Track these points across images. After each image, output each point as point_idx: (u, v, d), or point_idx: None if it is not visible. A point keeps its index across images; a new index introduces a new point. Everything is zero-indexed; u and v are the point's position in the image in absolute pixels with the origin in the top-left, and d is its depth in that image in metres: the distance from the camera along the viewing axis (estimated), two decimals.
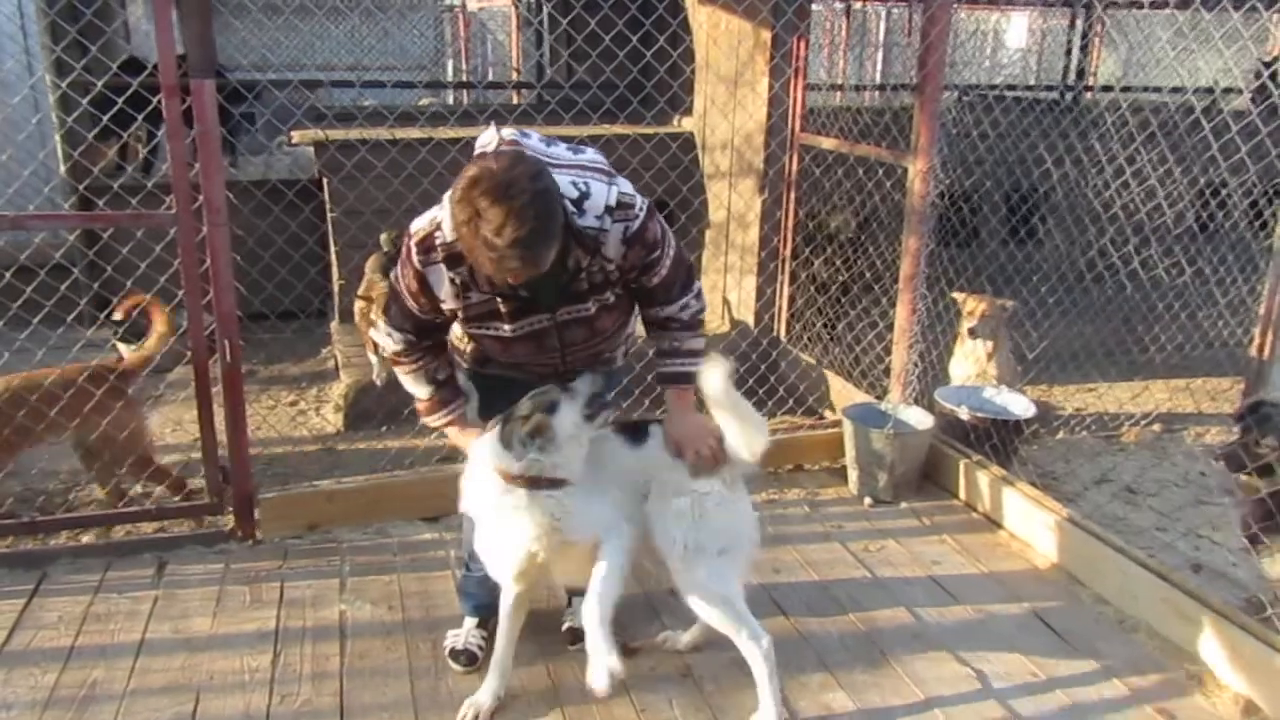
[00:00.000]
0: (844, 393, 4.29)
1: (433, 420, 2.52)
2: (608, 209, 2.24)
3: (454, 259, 2.22)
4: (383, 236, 4.77)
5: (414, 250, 2.26)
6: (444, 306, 2.32)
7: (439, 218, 2.23)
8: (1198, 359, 5.07)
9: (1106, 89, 8.53)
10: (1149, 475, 4.04)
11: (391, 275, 2.42)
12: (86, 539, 3.37)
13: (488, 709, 2.53)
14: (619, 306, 2.43)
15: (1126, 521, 3.59)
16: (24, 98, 5.30)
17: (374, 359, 4.57)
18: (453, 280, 2.26)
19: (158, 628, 2.90)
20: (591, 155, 2.37)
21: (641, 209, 2.29)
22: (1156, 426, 4.50)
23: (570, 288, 2.31)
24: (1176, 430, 4.54)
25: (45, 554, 3.25)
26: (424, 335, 2.42)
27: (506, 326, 2.34)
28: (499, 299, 2.30)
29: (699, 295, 2.50)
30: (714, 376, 2.31)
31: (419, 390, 2.49)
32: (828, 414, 4.38)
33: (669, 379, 2.51)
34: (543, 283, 2.23)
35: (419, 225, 2.28)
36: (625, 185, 2.30)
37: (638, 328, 2.65)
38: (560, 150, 2.35)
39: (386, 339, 2.45)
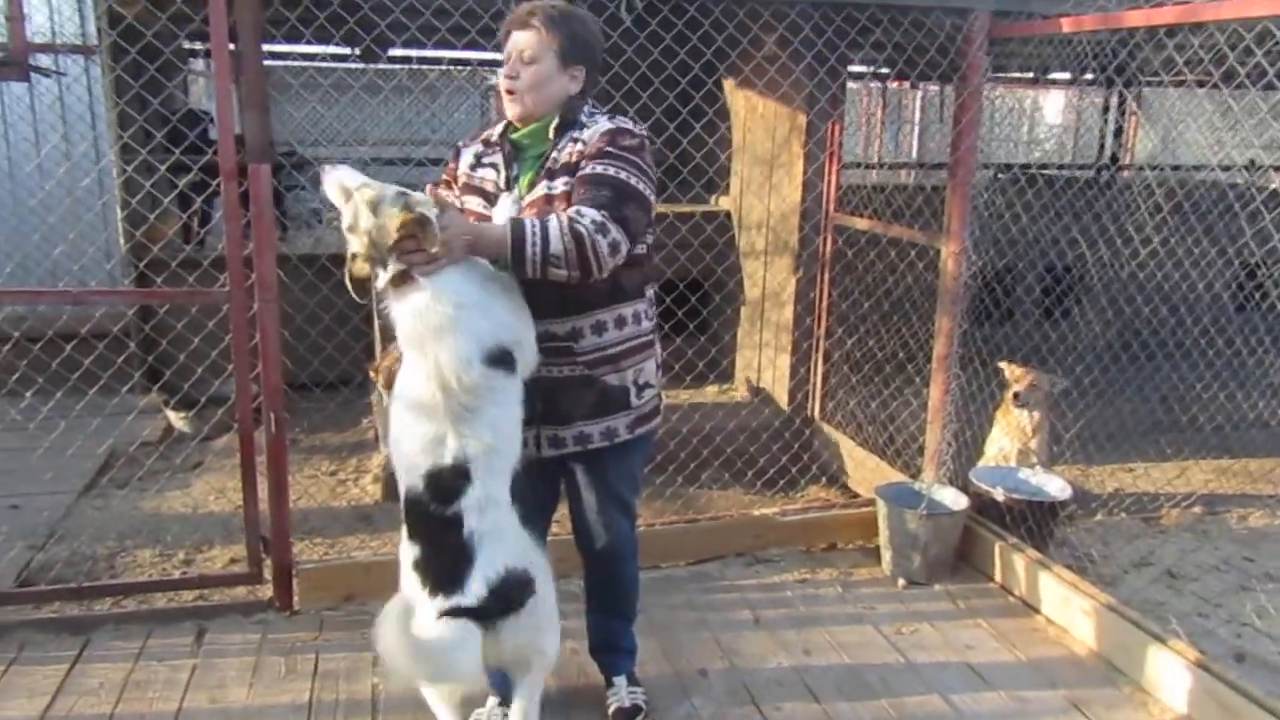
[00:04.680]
0: (878, 471, 4.29)
1: None
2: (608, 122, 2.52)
3: (484, 141, 2.63)
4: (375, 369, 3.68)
5: (464, 140, 2.73)
6: (457, 169, 2.65)
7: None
8: (1238, 439, 5.00)
9: (1143, 169, 8.57)
10: (1190, 559, 3.97)
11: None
12: (130, 605, 3.45)
13: None
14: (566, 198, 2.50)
15: (1167, 607, 3.53)
16: (90, 178, 5.57)
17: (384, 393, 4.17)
18: (475, 152, 2.63)
19: (195, 697, 2.95)
20: None
21: (639, 130, 2.50)
22: (1198, 508, 4.43)
23: (548, 155, 2.50)
24: (1219, 512, 4.47)
25: (89, 620, 3.32)
26: None
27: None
28: (489, 161, 2.59)
29: (603, 230, 2.28)
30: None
31: None
32: (861, 493, 4.38)
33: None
34: (530, 132, 2.51)
35: None
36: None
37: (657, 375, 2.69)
38: None
39: None
